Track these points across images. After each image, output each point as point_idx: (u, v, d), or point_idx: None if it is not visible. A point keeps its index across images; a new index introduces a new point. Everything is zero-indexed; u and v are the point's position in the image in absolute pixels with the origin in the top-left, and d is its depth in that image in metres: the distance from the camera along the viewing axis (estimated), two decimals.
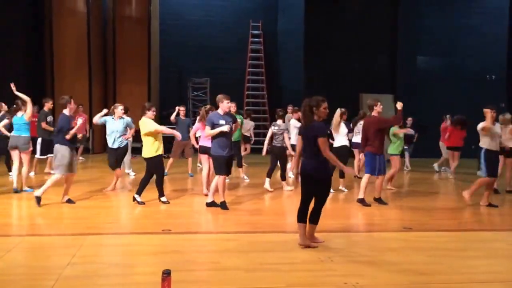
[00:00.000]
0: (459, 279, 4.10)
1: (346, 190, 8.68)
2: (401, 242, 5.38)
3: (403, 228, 6.01)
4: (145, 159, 7.04)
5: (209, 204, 6.90)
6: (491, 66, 17.39)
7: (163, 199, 7.11)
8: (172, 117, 10.46)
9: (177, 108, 10.56)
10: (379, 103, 7.49)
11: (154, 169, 7.04)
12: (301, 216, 4.99)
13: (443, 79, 17.07)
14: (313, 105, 4.87)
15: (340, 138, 8.52)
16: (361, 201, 7.40)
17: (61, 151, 6.75)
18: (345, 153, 8.43)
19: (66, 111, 6.92)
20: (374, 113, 7.48)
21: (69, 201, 6.93)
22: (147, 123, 6.95)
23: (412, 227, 6.03)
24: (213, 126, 6.69)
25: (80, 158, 13.13)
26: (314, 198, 4.95)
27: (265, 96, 17.73)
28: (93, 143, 14.61)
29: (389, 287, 3.86)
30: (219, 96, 6.86)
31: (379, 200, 7.52)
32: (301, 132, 5.07)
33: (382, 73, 16.65)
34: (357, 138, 9.90)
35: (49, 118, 9.38)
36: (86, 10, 15.01)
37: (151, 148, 6.95)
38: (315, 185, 4.90)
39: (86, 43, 14.91)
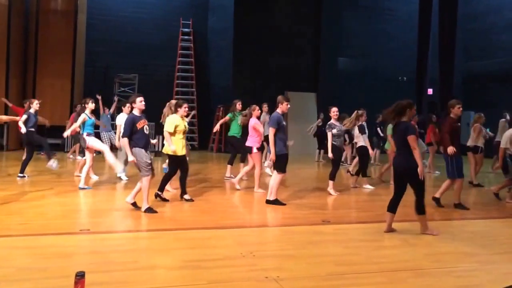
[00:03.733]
0: (372, 269, 4.30)
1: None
2: (320, 235, 5.56)
3: (322, 222, 6.20)
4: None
5: (270, 202, 7.10)
6: (402, 68, 18.69)
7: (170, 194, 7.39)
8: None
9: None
10: (457, 106, 7.08)
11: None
12: (391, 206, 5.54)
13: (361, 79, 18.11)
14: (407, 106, 5.43)
15: (360, 139, 9.03)
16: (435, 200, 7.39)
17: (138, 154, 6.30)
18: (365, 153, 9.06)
19: (135, 111, 6.40)
20: (452, 115, 7.15)
21: (150, 210, 6.34)
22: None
23: (331, 220, 6.25)
24: (279, 126, 6.97)
25: (71, 156, 12.61)
26: (413, 190, 5.48)
27: (194, 93, 17.68)
28: (8, 140, 13.79)
29: (308, 279, 3.97)
30: (280, 98, 7.20)
31: (459, 206, 7.31)
32: (393, 130, 5.68)
33: (306, 73, 17.24)
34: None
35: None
36: (8, 2, 14.34)
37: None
38: (402, 179, 5.48)
39: (6, 36, 14.23)
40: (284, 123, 7.19)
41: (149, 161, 6.31)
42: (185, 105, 7.18)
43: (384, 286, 3.89)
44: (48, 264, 4.21)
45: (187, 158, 9.61)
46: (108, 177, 9.73)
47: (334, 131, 8.14)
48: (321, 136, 13.46)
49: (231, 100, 12.24)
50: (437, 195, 7.38)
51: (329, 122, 8.37)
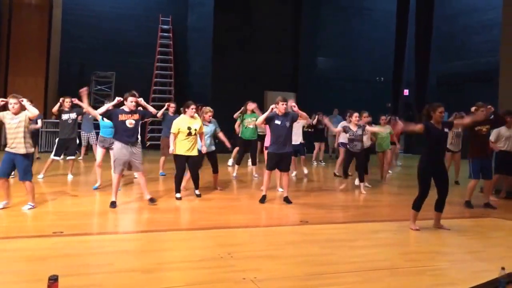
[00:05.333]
0: (349, 268, 4.34)
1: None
2: (298, 235, 5.58)
3: (300, 222, 6.23)
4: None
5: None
6: (380, 68, 18.82)
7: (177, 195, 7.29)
8: (160, 113, 9.44)
9: (166, 104, 9.91)
10: (481, 108, 6.92)
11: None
12: (435, 205, 5.96)
13: (340, 79, 18.18)
14: (430, 110, 5.67)
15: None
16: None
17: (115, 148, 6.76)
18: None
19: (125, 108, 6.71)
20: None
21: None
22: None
23: (309, 221, 6.26)
24: (268, 121, 7.15)
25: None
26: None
27: (172, 92, 17.52)
28: None
29: (286, 280, 3.98)
30: (278, 98, 7.25)
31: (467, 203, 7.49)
32: None
33: (285, 72, 17.26)
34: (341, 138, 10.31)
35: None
36: None
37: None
38: None
39: None
40: (278, 122, 7.09)
41: (123, 159, 6.45)
42: (192, 106, 7.27)
43: (360, 285, 3.93)
44: (20, 267, 4.11)
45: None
46: (84, 179, 9.57)
47: (348, 135, 8.60)
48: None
49: (210, 99, 12.11)
50: (485, 200, 7.58)
51: (345, 124, 8.90)
